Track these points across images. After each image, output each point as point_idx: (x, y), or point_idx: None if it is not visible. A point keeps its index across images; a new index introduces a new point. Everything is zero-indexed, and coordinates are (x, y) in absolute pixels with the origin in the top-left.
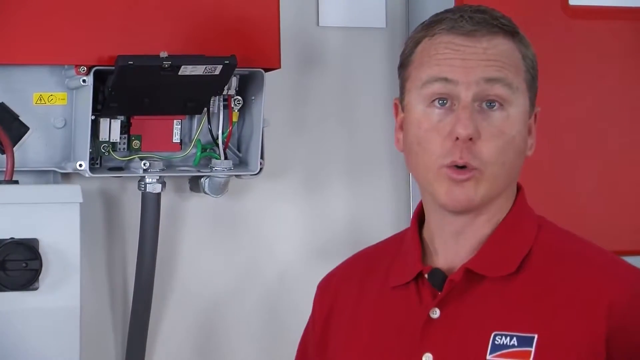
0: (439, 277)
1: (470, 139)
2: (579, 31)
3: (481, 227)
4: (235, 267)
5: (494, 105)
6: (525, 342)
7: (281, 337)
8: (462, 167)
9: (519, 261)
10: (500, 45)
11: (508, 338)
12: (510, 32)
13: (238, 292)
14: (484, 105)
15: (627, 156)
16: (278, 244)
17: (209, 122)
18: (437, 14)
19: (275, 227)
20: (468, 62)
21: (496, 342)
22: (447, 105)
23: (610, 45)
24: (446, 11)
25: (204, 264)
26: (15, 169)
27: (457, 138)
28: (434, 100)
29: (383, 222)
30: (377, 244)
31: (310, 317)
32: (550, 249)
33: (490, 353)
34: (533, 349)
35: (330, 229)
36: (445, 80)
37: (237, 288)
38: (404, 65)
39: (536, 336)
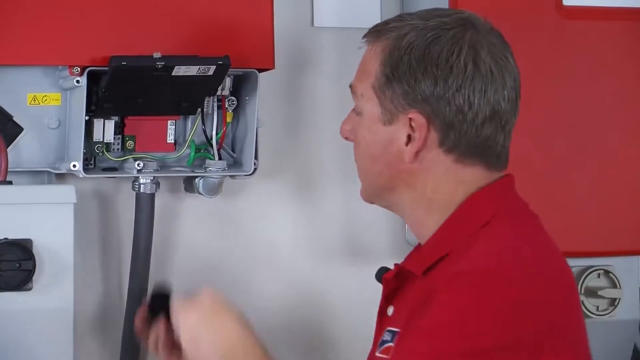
0: (379, 276)
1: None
2: (572, 31)
3: (419, 227)
4: (230, 268)
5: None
6: (393, 337)
7: (275, 337)
8: None
9: (431, 263)
10: (366, 54)
11: (388, 334)
12: (375, 35)
13: (232, 293)
14: None
15: (621, 156)
16: (272, 244)
17: (203, 123)
18: None
19: (270, 227)
20: None
21: (383, 338)
22: None
23: (604, 45)
24: None
25: (198, 264)
26: (9, 170)
27: None
28: None
29: (377, 222)
30: None
31: None
32: (454, 260)
33: (378, 349)
34: (393, 344)
35: (324, 229)
36: None
37: (232, 288)
38: None
39: (398, 331)
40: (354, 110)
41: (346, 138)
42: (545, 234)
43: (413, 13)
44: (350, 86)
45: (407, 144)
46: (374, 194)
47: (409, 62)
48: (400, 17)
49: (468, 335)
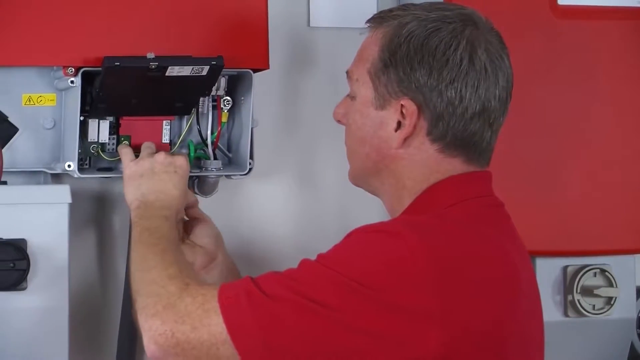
0: None
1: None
2: (567, 31)
3: (391, 212)
4: None
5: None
6: None
7: None
8: None
9: None
10: (366, 39)
11: None
12: (378, 21)
13: None
14: None
15: (618, 155)
16: (269, 244)
17: (198, 123)
18: None
19: (266, 227)
20: None
21: None
22: None
23: (599, 45)
24: None
25: None
26: (4, 170)
27: None
28: None
29: (374, 221)
30: None
31: None
32: None
33: None
34: None
35: (320, 229)
36: None
37: None
38: None
39: None
40: (348, 95)
41: (338, 121)
42: (506, 235)
43: (417, 4)
44: (347, 72)
45: (396, 130)
46: (360, 177)
47: (407, 50)
48: (404, 7)
49: (341, 265)
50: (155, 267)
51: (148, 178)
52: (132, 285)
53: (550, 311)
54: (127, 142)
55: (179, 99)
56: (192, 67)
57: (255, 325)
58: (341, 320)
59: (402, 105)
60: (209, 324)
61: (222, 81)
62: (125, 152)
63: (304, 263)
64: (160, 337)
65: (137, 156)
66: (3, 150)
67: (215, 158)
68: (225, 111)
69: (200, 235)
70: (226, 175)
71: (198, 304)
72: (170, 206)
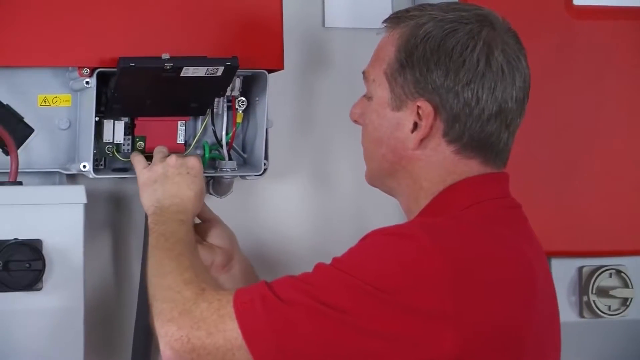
0: None
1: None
2: (582, 31)
3: (408, 213)
4: None
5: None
6: None
7: None
8: None
9: None
10: (383, 39)
11: None
12: (395, 21)
13: None
14: None
15: (633, 156)
16: (284, 244)
17: (213, 124)
18: None
19: (281, 227)
20: None
21: None
22: None
23: (614, 45)
24: None
25: None
26: (20, 170)
27: None
28: None
29: (390, 222)
30: None
31: None
32: None
33: None
34: None
35: (335, 230)
36: None
37: None
38: None
39: None
40: (364, 95)
41: (355, 121)
42: (522, 237)
43: (434, 4)
44: (363, 72)
45: (412, 131)
46: (376, 177)
47: (424, 51)
48: (421, 7)
49: (356, 269)
50: (171, 272)
51: (162, 183)
52: (149, 290)
53: (566, 312)
54: (142, 143)
55: (194, 99)
56: (207, 67)
57: (270, 330)
58: (356, 324)
59: (418, 106)
60: (225, 329)
61: (237, 82)
62: (138, 160)
63: (319, 267)
64: (176, 343)
65: (149, 158)
66: (19, 150)
67: (230, 159)
68: (240, 112)
69: (216, 236)
70: (241, 176)
71: (214, 310)
72: (186, 210)
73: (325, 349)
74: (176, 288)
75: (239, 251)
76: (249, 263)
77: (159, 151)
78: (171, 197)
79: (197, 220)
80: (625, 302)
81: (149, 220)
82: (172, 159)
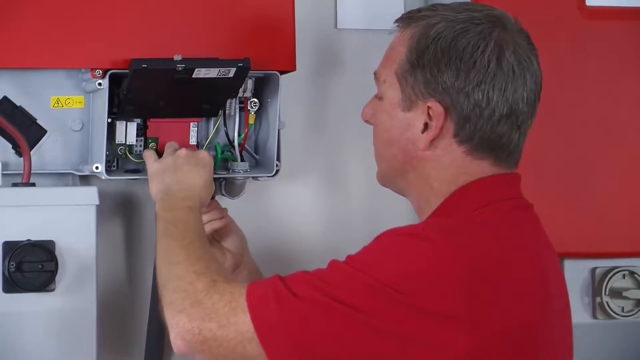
0: None
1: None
2: (595, 32)
3: (420, 213)
4: None
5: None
6: None
7: None
8: None
9: None
10: (394, 39)
11: None
12: (407, 21)
13: None
14: None
15: None
16: (296, 245)
17: (225, 125)
18: None
19: (293, 228)
20: None
21: None
22: None
23: (627, 45)
24: None
25: None
26: (33, 172)
27: None
28: None
29: (402, 223)
30: None
31: None
32: None
33: None
34: None
35: (348, 231)
36: None
37: None
38: None
39: None
40: (376, 95)
41: (367, 121)
42: (535, 238)
43: (446, 4)
44: (375, 73)
45: (422, 132)
46: (387, 177)
47: (435, 51)
48: (433, 7)
49: (370, 268)
50: (182, 262)
51: (171, 172)
52: (159, 278)
53: (579, 313)
54: (154, 144)
55: (206, 100)
56: (219, 69)
57: (282, 325)
58: (369, 322)
59: (429, 107)
60: (236, 322)
61: (249, 83)
62: (149, 155)
63: (333, 264)
64: (188, 334)
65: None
66: (32, 152)
67: (242, 160)
68: (252, 113)
69: (229, 240)
70: (253, 177)
71: (225, 302)
72: (194, 196)
73: (337, 345)
74: (187, 279)
75: (248, 256)
76: (257, 268)
77: (170, 145)
78: (179, 183)
79: (207, 218)
80: (638, 303)
81: (157, 206)
82: (182, 151)
